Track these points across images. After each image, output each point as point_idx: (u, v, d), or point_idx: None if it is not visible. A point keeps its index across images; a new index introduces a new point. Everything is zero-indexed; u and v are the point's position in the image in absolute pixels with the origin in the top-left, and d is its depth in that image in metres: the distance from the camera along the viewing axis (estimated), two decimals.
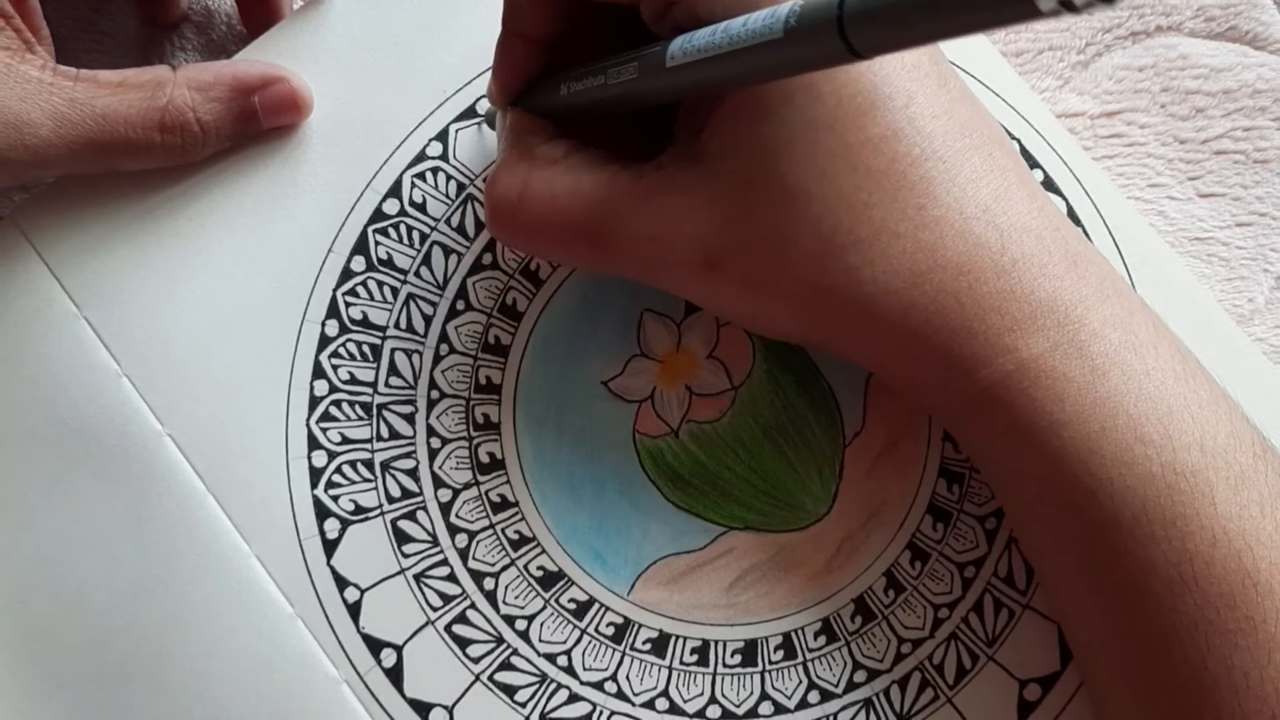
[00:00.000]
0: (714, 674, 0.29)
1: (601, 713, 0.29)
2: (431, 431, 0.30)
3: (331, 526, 0.29)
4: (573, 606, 0.29)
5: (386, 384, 0.30)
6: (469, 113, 0.31)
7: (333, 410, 0.30)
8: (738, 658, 0.29)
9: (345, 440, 0.30)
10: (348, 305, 0.30)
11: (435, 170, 0.31)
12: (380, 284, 0.30)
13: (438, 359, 0.30)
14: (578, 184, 0.26)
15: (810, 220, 0.24)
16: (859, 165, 0.24)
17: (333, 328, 0.30)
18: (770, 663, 0.29)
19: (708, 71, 0.22)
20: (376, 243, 0.31)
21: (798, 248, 0.24)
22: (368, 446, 0.30)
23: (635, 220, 0.25)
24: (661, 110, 0.27)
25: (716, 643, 0.29)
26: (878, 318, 0.24)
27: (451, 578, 0.29)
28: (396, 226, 0.31)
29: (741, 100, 0.24)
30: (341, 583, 0.29)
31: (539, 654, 0.29)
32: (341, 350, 0.30)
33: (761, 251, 0.24)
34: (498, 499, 0.30)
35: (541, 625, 0.29)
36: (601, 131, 0.27)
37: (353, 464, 0.30)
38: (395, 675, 0.29)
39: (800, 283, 0.24)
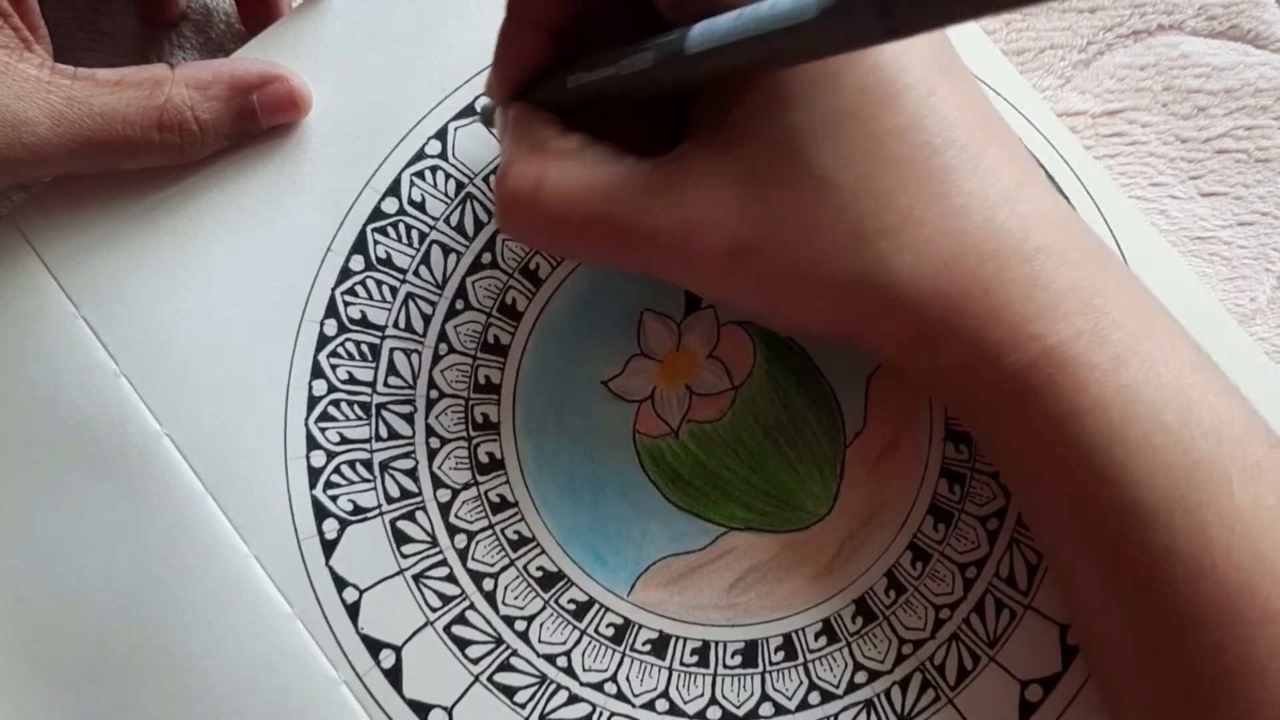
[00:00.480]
0: (714, 675, 0.29)
1: (601, 714, 0.29)
2: (430, 431, 0.30)
3: (330, 527, 0.29)
4: (572, 607, 0.29)
5: (385, 384, 0.30)
6: (468, 111, 0.31)
7: (331, 410, 0.30)
8: (738, 658, 0.29)
9: (344, 440, 0.30)
10: (346, 304, 0.30)
11: (434, 169, 0.31)
12: (379, 283, 0.30)
13: (437, 358, 0.30)
14: (596, 175, 0.25)
15: (837, 208, 0.24)
16: (884, 153, 0.24)
17: (331, 327, 0.30)
18: (771, 663, 0.29)
19: (730, 58, 0.22)
20: (375, 242, 0.31)
21: (825, 236, 0.24)
22: (366, 446, 0.30)
23: (657, 210, 0.25)
24: (668, 103, 0.27)
25: (717, 643, 0.29)
26: (905, 305, 0.24)
27: (451, 578, 0.29)
28: (395, 225, 0.31)
29: (764, 89, 0.24)
30: (340, 583, 0.29)
31: (538, 655, 0.29)
32: (340, 350, 0.30)
33: (788, 240, 0.24)
34: (497, 499, 0.30)
35: (541, 626, 0.29)
36: (607, 128, 0.27)
37: (351, 464, 0.30)
38: (394, 676, 0.28)
39: (827, 272, 0.24)
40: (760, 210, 0.24)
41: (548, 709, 0.29)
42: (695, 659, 0.29)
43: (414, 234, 0.31)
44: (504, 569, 0.29)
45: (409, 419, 0.30)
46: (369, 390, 0.30)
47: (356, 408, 0.30)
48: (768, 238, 0.24)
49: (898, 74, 0.24)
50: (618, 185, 0.25)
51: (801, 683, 0.29)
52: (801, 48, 0.21)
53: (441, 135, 0.31)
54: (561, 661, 0.29)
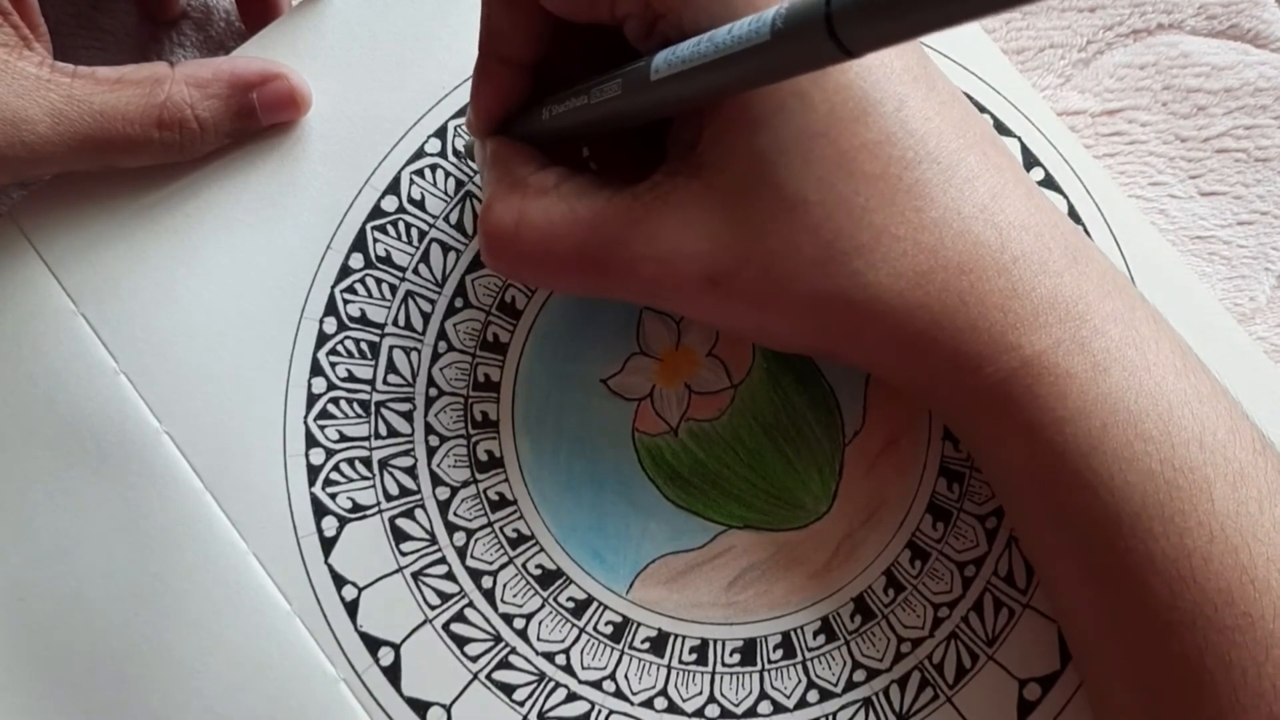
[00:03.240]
0: (713, 673, 0.29)
1: (600, 712, 0.29)
2: (430, 429, 0.30)
3: (329, 524, 0.29)
4: (571, 605, 0.29)
5: (385, 381, 0.30)
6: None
7: (330, 408, 0.30)
8: (736, 657, 0.29)
9: (343, 438, 0.30)
10: (346, 302, 0.30)
11: (434, 167, 0.31)
12: (378, 281, 0.30)
13: (436, 356, 0.30)
14: (574, 210, 0.25)
15: (811, 228, 0.24)
16: (855, 171, 0.24)
17: (331, 325, 0.30)
18: (769, 662, 0.29)
19: (694, 83, 0.22)
20: (375, 240, 0.31)
21: (800, 256, 0.24)
22: (366, 444, 0.30)
23: (635, 242, 0.25)
24: (644, 131, 0.27)
25: (715, 642, 0.29)
26: (883, 320, 0.24)
27: (449, 576, 0.29)
28: (395, 223, 0.31)
29: (733, 112, 0.24)
30: (339, 581, 0.29)
31: (537, 653, 0.29)
32: (340, 347, 0.30)
33: (764, 263, 0.24)
34: (496, 497, 0.30)
35: (540, 624, 0.29)
36: (588, 157, 0.27)
37: (350, 462, 0.30)
38: (393, 674, 0.29)
39: (805, 291, 0.24)
40: (735, 235, 0.24)
41: (546, 707, 0.29)
42: (694, 657, 0.29)
43: (413, 232, 0.31)
44: (503, 567, 0.29)
45: (408, 417, 0.30)
46: (368, 388, 0.30)
47: (356, 405, 0.30)
48: (743, 262, 0.24)
49: (866, 90, 0.24)
50: (595, 218, 0.25)
51: (800, 681, 0.29)
52: (760, 71, 0.21)
53: (441, 133, 0.31)
54: (560, 659, 0.29)
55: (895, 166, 0.24)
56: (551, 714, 0.29)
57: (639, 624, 0.29)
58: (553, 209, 0.26)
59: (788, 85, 0.23)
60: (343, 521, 0.29)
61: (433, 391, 0.30)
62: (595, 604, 0.29)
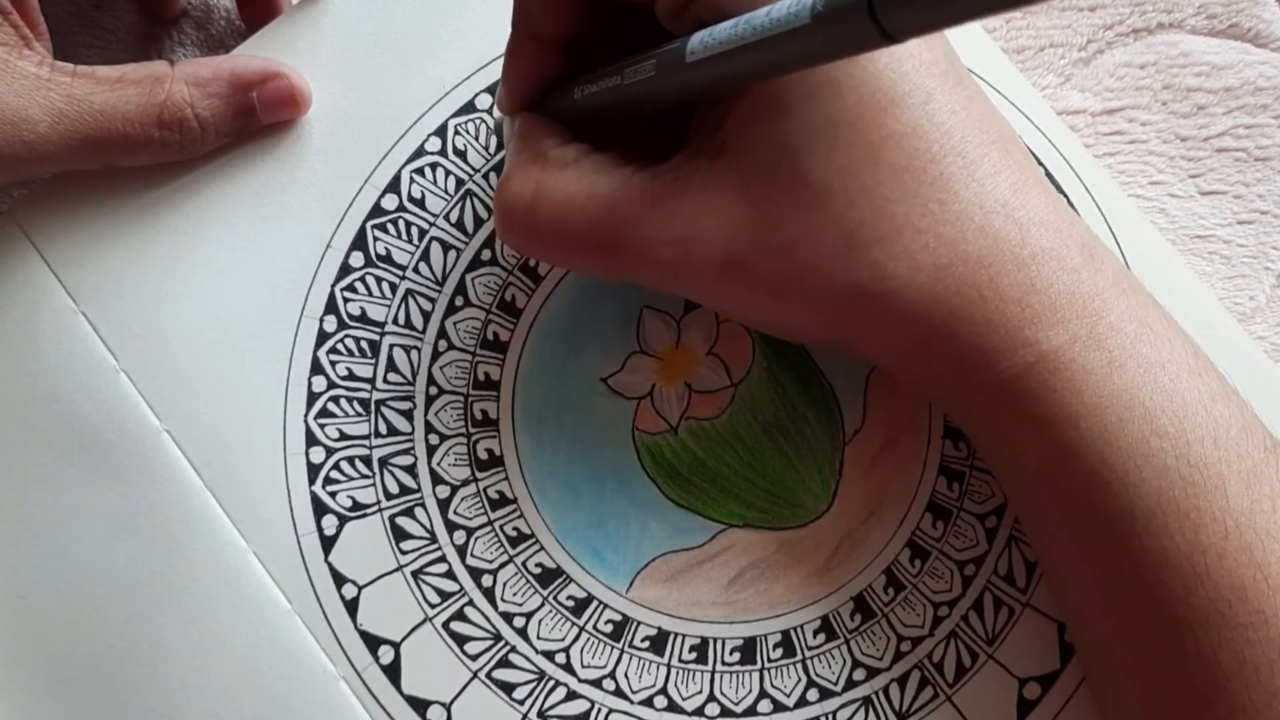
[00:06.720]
0: (713, 672, 0.29)
1: (600, 710, 0.29)
2: (430, 428, 0.30)
3: (329, 523, 0.29)
4: (571, 604, 0.29)
5: (385, 380, 0.30)
6: (468, 108, 0.31)
7: (331, 406, 0.30)
8: (736, 655, 0.29)
9: (343, 436, 0.30)
10: (346, 301, 0.30)
11: (434, 165, 0.31)
12: (379, 280, 0.30)
13: (436, 355, 0.30)
14: (592, 186, 0.25)
15: (833, 217, 0.24)
16: (881, 161, 0.24)
17: (331, 323, 0.30)
18: (769, 660, 0.29)
19: (730, 65, 0.22)
20: (375, 238, 0.31)
21: (821, 245, 0.24)
22: (366, 443, 0.30)
23: (653, 222, 0.25)
24: (672, 115, 0.27)
25: (715, 640, 0.29)
26: (901, 312, 0.24)
27: (449, 574, 0.29)
28: (395, 222, 0.31)
29: (760, 97, 0.24)
30: (339, 579, 0.29)
31: (537, 651, 0.29)
32: (340, 346, 0.30)
33: (784, 249, 0.24)
34: (496, 495, 0.30)
35: (540, 622, 0.29)
36: (611, 138, 0.27)
37: (350, 460, 0.30)
38: (393, 672, 0.29)
39: (823, 280, 0.24)
40: (756, 221, 0.24)
41: (546, 705, 0.29)
42: (694, 655, 0.29)
43: (414, 230, 0.31)
44: (503, 565, 0.29)
45: (408, 415, 0.30)
46: (368, 386, 0.30)
47: (356, 404, 0.30)
48: (763, 248, 0.24)
49: (894, 82, 0.24)
50: (614, 195, 0.25)
51: (800, 680, 0.29)
52: (798, 54, 0.21)
53: (441, 132, 0.31)
54: (560, 658, 0.29)
55: (921, 159, 0.24)
56: (551, 713, 0.29)
57: (639, 623, 0.29)
58: (571, 183, 0.25)
59: (816, 73, 0.23)
60: (343, 520, 0.29)
61: (433, 390, 0.30)
62: (595, 603, 0.29)
